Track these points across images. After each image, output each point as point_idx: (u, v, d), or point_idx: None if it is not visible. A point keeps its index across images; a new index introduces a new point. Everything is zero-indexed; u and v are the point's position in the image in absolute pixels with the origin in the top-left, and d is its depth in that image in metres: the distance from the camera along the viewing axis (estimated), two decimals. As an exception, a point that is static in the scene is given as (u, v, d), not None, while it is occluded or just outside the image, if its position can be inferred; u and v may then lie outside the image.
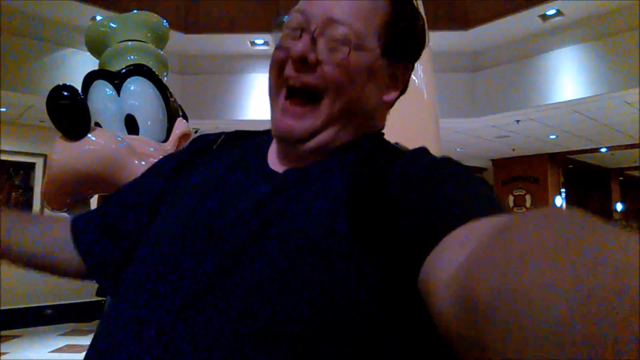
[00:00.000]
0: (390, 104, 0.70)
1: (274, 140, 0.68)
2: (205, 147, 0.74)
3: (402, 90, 0.72)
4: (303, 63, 0.61)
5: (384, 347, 0.50)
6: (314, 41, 0.61)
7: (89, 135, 1.23)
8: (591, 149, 8.35)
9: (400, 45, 0.66)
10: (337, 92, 0.61)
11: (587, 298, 0.22)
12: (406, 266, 0.46)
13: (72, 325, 6.01)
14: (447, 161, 0.57)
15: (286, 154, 0.66)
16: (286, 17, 0.66)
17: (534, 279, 0.24)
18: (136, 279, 0.58)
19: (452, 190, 0.49)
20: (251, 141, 0.73)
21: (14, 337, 5.48)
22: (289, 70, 0.62)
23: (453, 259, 0.37)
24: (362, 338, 0.49)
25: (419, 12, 0.71)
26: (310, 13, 0.62)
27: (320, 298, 0.49)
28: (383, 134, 0.72)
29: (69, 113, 1.20)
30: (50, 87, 1.25)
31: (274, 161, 0.67)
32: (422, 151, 0.62)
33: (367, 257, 0.51)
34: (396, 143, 0.68)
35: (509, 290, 0.25)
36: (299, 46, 0.60)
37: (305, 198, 0.57)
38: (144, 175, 0.76)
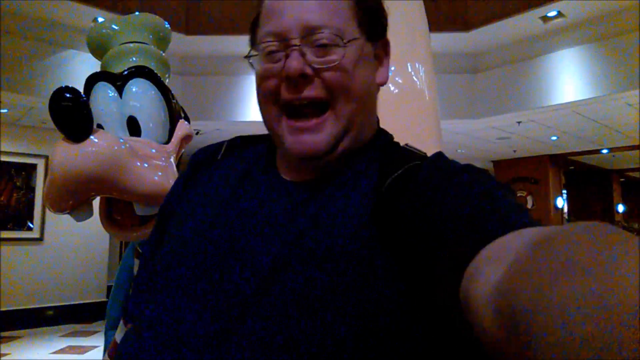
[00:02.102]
0: (382, 85, 0.69)
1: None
2: (208, 158, 0.71)
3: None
4: (303, 79, 0.58)
5: (417, 357, 0.50)
6: (302, 54, 0.58)
7: (91, 137, 1.23)
8: (592, 151, 8.34)
9: (376, 24, 0.65)
10: (344, 94, 0.59)
11: (613, 317, 0.24)
12: (441, 279, 0.46)
13: (73, 327, 6.01)
14: (469, 168, 0.56)
15: (300, 165, 0.63)
16: (259, 47, 0.61)
17: (568, 292, 0.26)
18: (162, 306, 0.55)
19: (479, 201, 0.49)
20: (253, 148, 0.70)
21: (15, 338, 5.48)
22: (287, 93, 0.59)
23: (492, 273, 0.38)
24: (398, 349, 0.49)
25: None
26: (285, 30, 0.58)
27: (357, 310, 0.48)
28: (392, 135, 0.70)
29: (71, 115, 1.20)
30: (51, 89, 1.26)
31: (285, 171, 0.65)
32: (442, 157, 0.60)
33: (398, 268, 0.50)
34: (406, 144, 0.67)
35: (545, 301, 0.27)
36: (293, 64, 0.57)
37: (332, 212, 0.56)
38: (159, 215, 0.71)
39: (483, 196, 0.50)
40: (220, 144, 0.73)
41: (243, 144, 0.73)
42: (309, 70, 0.58)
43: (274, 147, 0.67)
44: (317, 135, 0.59)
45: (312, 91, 0.59)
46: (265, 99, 0.62)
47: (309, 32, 0.58)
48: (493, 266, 0.39)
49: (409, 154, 0.63)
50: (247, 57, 0.62)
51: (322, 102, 0.59)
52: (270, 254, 0.53)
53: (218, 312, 0.51)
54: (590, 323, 0.24)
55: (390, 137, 0.70)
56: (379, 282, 0.50)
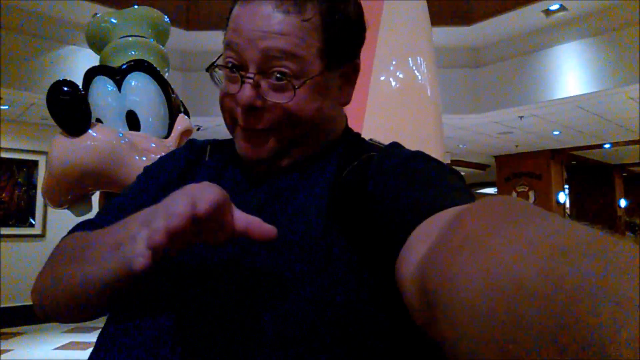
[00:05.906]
0: (345, 105, 0.69)
1: None
2: (198, 155, 0.73)
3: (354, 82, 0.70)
4: (251, 110, 0.60)
5: (382, 344, 0.50)
6: (256, 84, 0.59)
7: (90, 130, 1.22)
8: (595, 145, 8.31)
9: (344, 49, 0.63)
10: (291, 125, 0.61)
11: (495, 290, 0.24)
12: (388, 262, 0.47)
13: (75, 323, 6.03)
14: (418, 156, 0.58)
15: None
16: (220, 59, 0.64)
17: (464, 269, 0.28)
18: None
19: (420, 186, 0.51)
20: (232, 149, 0.72)
21: (17, 334, 5.50)
22: (239, 116, 0.62)
23: (417, 253, 0.39)
24: (360, 336, 0.49)
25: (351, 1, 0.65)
26: (245, 51, 0.59)
27: (317, 299, 0.49)
28: (358, 133, 0.72)
29: (69, 108, 1.19)
30: (51, 84, 1.24)
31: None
32: (395, 146, 0.63)
33: (357, 256, 0.52)
34: (371, 139, 0.69)
35: (447, 279, 0.29)
36: (245, 96, 0.59)
37: (294, 205, 0.58)
38: (140, 189, 0.72)
39: (427, 181, 0.52)
40: (204, 144, 0.75)
41: (222, 146, 0.75)
42: (259, 103, 0.60)
43: None
44: (259, 147, 0.62)
45: (259, 123, 0.61)
46: (224, 111, 0.66)
47: (265, 63, 0.58)
48: (419, 246, 0.40)
49: (369, 146, 0.65)
50: (210, 68, 0.66)
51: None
52: (235, 244, 0.54)
53: (182, 294, 0.53)
54: (478, 299, 0.25)
55: (356, 134, 0.72)
56: (338, 269, 0.51)
